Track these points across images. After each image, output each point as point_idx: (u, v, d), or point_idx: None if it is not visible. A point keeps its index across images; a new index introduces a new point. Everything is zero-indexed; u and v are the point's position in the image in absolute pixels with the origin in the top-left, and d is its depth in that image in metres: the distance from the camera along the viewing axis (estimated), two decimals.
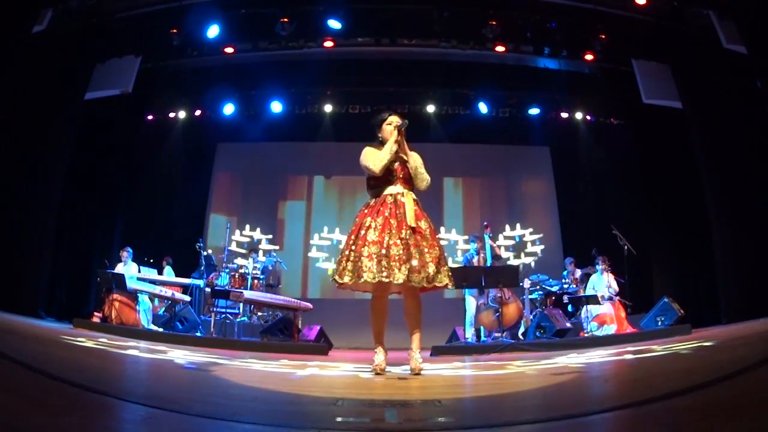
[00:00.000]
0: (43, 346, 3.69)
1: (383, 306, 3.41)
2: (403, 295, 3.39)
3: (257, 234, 10.24)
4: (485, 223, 7.20)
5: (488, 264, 6.93)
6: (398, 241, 3.21)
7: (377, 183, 3.47)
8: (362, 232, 3.29)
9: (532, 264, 10.15)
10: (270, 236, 10.30)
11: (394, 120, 3.53)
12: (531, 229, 10.32)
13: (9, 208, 6.47)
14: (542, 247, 10.22)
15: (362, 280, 3.18)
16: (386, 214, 3.31)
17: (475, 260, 7.28)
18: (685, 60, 7.47)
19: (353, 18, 7.73)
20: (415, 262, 3.19)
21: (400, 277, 3.14)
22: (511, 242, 10.23)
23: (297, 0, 7.74)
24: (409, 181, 3.48)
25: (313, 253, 10.24)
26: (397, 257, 3.18)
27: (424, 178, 3.49)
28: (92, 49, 7.56)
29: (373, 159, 3.42)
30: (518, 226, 10.31)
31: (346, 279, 3.23)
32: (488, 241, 7.03)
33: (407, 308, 3.40)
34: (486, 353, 5.58)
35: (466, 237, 7.76)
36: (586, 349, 5.24)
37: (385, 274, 3.14)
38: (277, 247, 10.08)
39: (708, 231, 7.20)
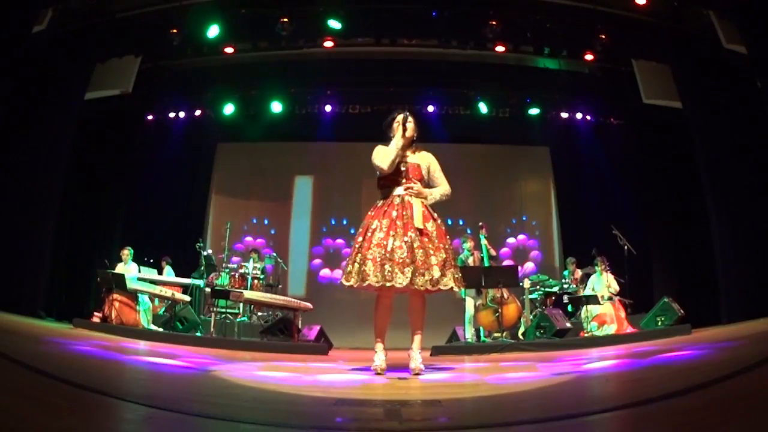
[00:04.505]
0: (43, 346, 3.69)
1: (387, 305, 3.41)
2: (408, 295, 3.38)
3: (256, 234, 10.25)
4: (480, 224, 7.20)
5: (485, 264, 6.93)
6: (402, 244, 3.19)
7: (386, 183, 3.45)
8: (368, 234, 3.28)
9: (532, 265, 10.16)
10: (270, 237, 10.31)
11: (401, 117, 3.51)
12: (527, 235, 10.34)
13: (9, 208, 6.47)
14: (532, 266, 10.22)
15: (366, 283, 3.19)
16: (393, 215, 3.29)
17: (470, 260, 7.28)
18: (685, 60, 7.46)
19: (353, 18, 7.73)
20: (419, 265, 3.17)
21: (403, 280, 3.13)
22: (508, 247, 10.25)
23: (297, 0, 7.74)
24: (420, 183, 3.45)
25: (313, 254, 10.24)
26: (400, 261, 3.16)
27: (431, 197, 3.44)
28: (92, 49, 7.56)
29: (381, 156, 3.41)
30: (518, 233, 10.35)
31: (352, 282, 3.24)
32: (484, 241, 7.02)
33: (412, 307, 3.40)
34: (486, 353, 5.58)
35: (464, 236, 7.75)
36: (586, 349, 5.25)
37: (389, 277, 3.14)
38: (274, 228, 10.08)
39: (708, 231, 7.19)
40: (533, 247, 10.37)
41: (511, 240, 10.36)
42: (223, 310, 7.54)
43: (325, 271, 10.12)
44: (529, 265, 10.16)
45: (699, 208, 7.39)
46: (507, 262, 9.49)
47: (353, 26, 7.82)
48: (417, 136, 3.56)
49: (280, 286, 8.73)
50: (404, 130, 3.45)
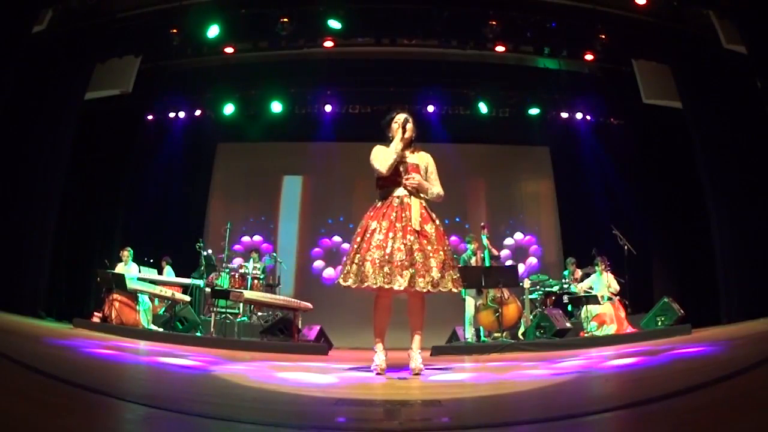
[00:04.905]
0: (43, 346, 3.69)
1: (387, 305, 3.41)
2: (407, 295, 3.38)
3: (256, 234, 10.26)
4: (482, 224, 7.20)
5: (487, 264, 6.93)
6: (402, 246, 3.19)
7: (385, 184, 3.44)
8: (367, 235, 3.28)
9: (535, 260, 10.16)
10: (269, 237, 10.31)
11: (400, 118, 3.50)
12: (528, 236, 10.33)
13: (9, 208, 6.47)
14: (535, 261, 10.21)
15: (365, 285, 3.18)
16: (392, 217, 3.29)
17: (472, 261, 7.28)
18: (685, 60, 7.46)
19: (353, 18, 7.72)
20: (418, 267, 3.18)
21: (402, 283, 3.13)
22: (508, 248, 10.23)
23: (297, 0, 7.74)
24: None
25: (313, 254, 10.24)
26: (399, 263, 3.16)
27: (430, 192, 3.45)
28: (92, 49, 7.56)
29: (380, 159, 3.40)
30: (518, 233, 10.33)
31: (350, 282, 3.23)
32: (485, 241, 7.03)
33: (411, 308, 3.40)
34: (486, 353, 5.58)
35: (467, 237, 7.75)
36: (586, 349, 5.24)
37: (387, 280, 3.14)
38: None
39: (708, 231, 7.19)
40: (533, 247, 10.36)
41: (511, 240, 10.36)
42: (223, 310, 7.54)
43: (326, 271, 10.12)
44: (533, 260, 10.15)
45: (699, 208, 7.40)
46: (510, 263, 9.50)
47: (353, 26, 7.82)
48: (416, 135, 3.56)
49: (280, 286, 8.73)
50: (404, 132, 3.44)
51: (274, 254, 9.31)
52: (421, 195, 3.43)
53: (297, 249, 10.30)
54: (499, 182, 10.77)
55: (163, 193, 9.85)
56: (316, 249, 10.28)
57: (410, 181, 3.37)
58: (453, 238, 9.87)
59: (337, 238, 10.24)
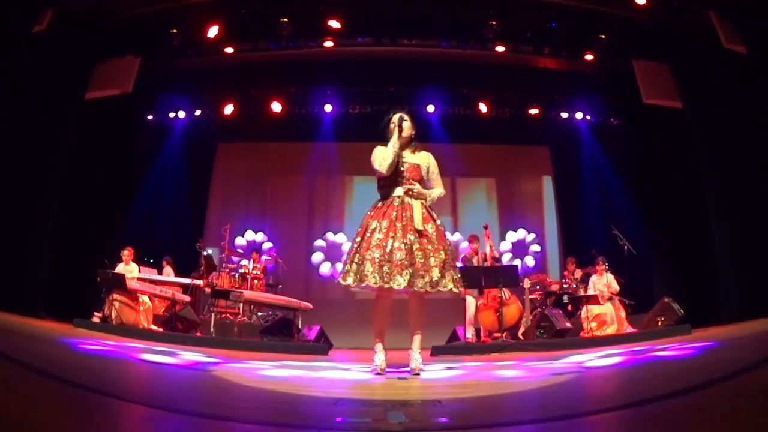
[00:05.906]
0: (43, 346, 3.69)
1: (387, 305, 3.41)
2: (408, 295, 3.38)
3: (257, 234, 10.25)
4: (484, 224, 7.21)
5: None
6: (402, 246, 3.20)
7: (386, 183, 3.45)
8: (367, 234, 3.29)
9: (538, 248, 10.17)
10: (270, 236, 10.32)
11: (396, 118, 3.51)
12: (527, 234, 10.33)
13: (9, 208, 6.46)
14: (539, 249, 10.22)
15: (364, 284, 3.19)
16: (392, 216, 3.29)
17: (474, 260, 7.28)
18: (685, 60, 7.46)
19: (353, 18, 7.72)
20: (418, 267, 3.18)
21: (401, 282, 3.14)
22: (508, 250, 10.24)
23: (297, 0, 7.74)
24: (419, 183, 3.46)
25: (313, 254, 10.24)
26: (399, 262, 3.17)
27: (429, 198, 3.46)
28: (92, 49, 7.55)
29: (379, 159, 3.41)
30: (518, 230, 10.33)
31: (350, 281, 3.24)
32: (487, 242, 7.04)
33: (411, 308, 3.41)
34: (486, 353, 5.58)
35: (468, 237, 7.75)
36: (586, 349, 5.25)
37: (386, 279, 3.14)
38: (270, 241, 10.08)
39: (708, 230, 7.19)
40: (533, 246, 10.36)
41: (510, 240, 10.35)
42: (223, 310, 7.54)
43: (325, 271, 10.11)
44: (536, 248, 10.15)
45: (699, 208, 7.39)
46: (516, 262, 9.51)
47: (353, 26, 7.82)
48: (415, 135, 3.57)
49: (280, 286, 8.73)
50: (400, 131, 3.45)
51: (274, 254, 9.31)
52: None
53: (297, 249, 10.29)
54: (499, 182, 10.77)
55: (163, 193, 9.84)
56: (316, 249, 10.27)
57: (410, 192, 3.38)
58: (454, 237, 9.87)
59: (335, 237, 10.24)
